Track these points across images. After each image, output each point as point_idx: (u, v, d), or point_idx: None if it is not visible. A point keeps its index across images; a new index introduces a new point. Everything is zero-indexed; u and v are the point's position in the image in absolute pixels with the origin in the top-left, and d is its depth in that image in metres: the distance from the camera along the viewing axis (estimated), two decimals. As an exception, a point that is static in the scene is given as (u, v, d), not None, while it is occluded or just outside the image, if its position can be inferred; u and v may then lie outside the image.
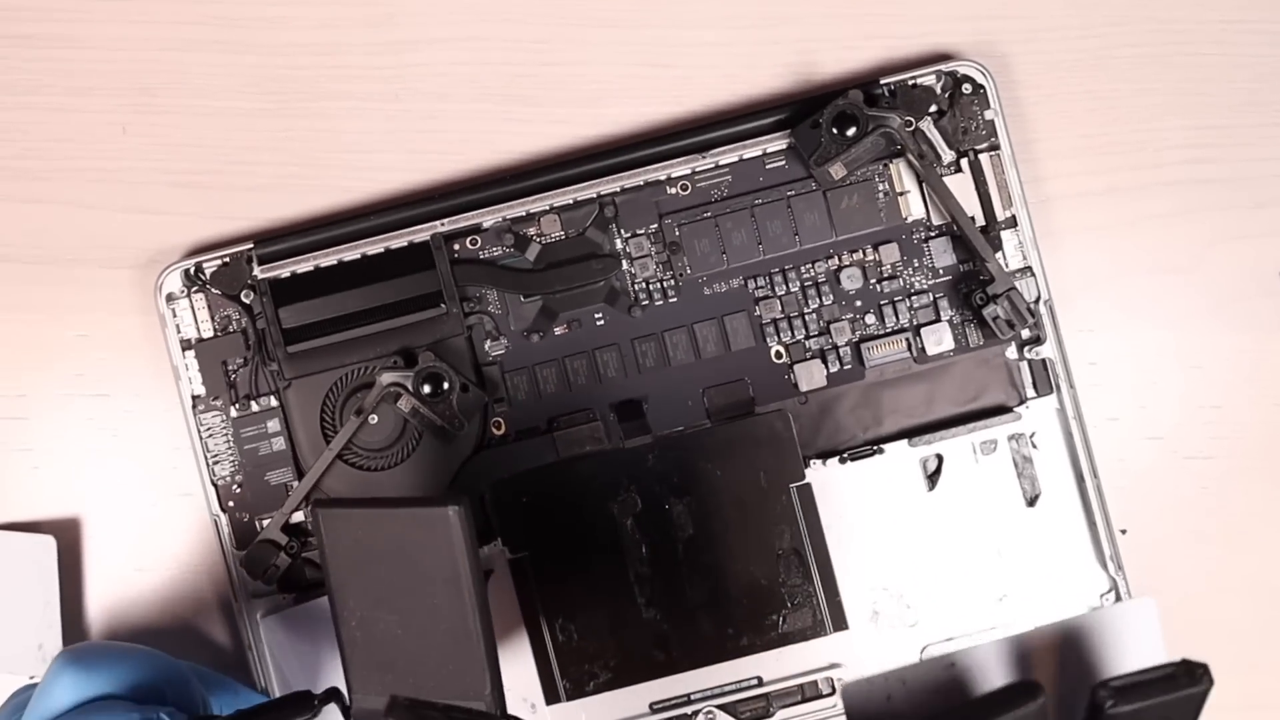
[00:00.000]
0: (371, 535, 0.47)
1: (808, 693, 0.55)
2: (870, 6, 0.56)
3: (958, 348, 0.55)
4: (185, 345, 0.55)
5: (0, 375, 0.56)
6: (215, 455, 0.55)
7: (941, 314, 0.55)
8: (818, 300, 0.55)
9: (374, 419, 0.54)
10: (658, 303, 0.55)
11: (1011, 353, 0.55)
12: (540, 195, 0.54)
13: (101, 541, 0.56)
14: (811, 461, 0.54)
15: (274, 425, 0.55)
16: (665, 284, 0.55)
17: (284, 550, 0.54)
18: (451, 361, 0.54)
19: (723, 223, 0.55)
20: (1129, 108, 0.56)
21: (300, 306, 0.54)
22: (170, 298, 0.54)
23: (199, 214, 0.56)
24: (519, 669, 0.54)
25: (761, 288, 0.55)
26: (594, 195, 0.55)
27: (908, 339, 0.55)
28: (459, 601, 0.46)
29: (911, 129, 0.54)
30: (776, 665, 0.54)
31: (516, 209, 0.54)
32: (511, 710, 0.54)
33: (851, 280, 0.55)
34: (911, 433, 0.55)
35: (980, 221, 0.54)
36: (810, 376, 0.55)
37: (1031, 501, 0.55)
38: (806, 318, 0.55)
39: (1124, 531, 0.55)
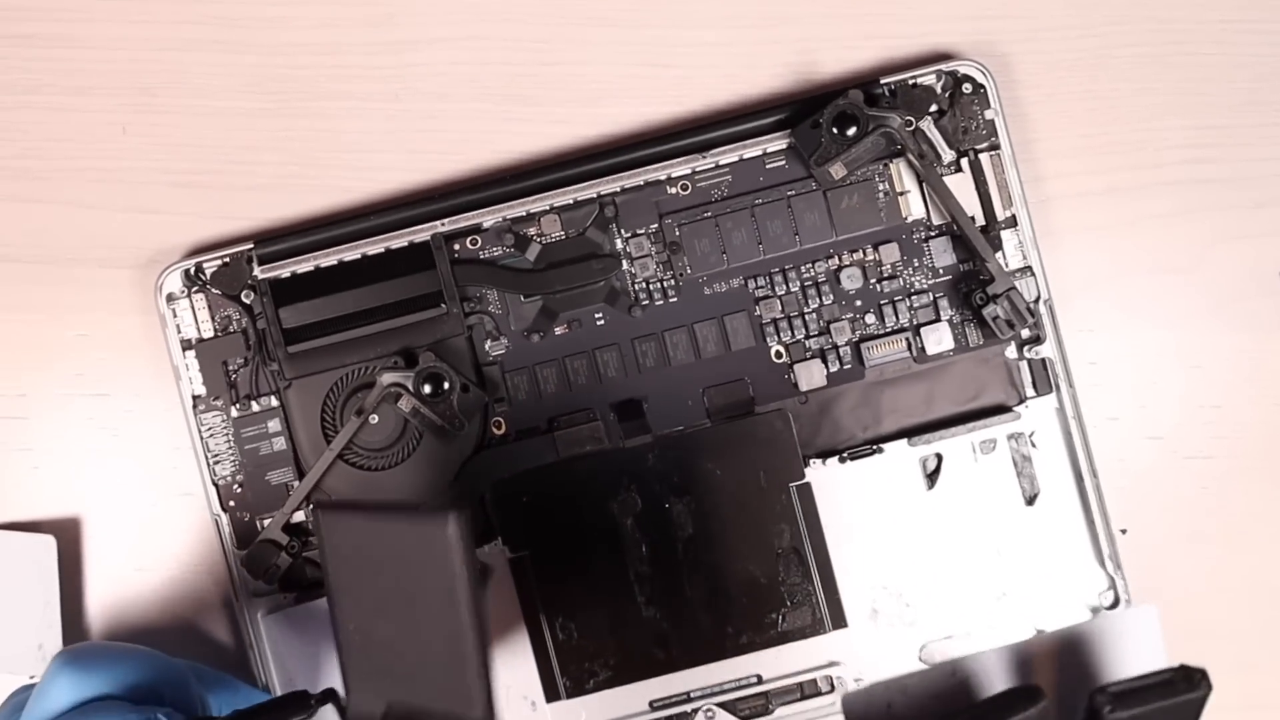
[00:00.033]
0: (371, 542, 0.47)
1: (807, 691, 0.55)
2: (870, 6, 0.56)
3: (957, 347, 0.55)
4: (185, 345, 0.55)
5: (0, 375, 0.56)
6: (216, 455, 0.55)
7: (941, 314, 0.55)
8: (818, 300, 0.55)
9: (374, 419, 0.54)
10: (658, 303, 0.55)
11: (1011, 352, 0.55)
12: (540, 195, 0.54)
13: (101, 541, 0.56)
14: (811, 461, 0.54)
15: (275, 425, 0.55)
16: (665, 284, 0.55)
17: (285, 550, 0.54)
18: (452, 361, 0.54)
19: (723, 223, 0.55)
20: (1129, 108, 0.56)
21: (300, 306, 0.54)
22: (170, 298, 0.54)
23: (199, 214, 0.56)
24: (519, 667, 0.54)
25: (761, 288, 0.55)
26: (594, 195, 0.55)
27: (907, 339, 0.55)
28: (454, 616, 0.46)
29: (911, 129, 0.54)
30: (776, 663, 0.54)
31: (516, 209, 0.54)
32: (512, 708, 0.55)
33: (851, 280, 0.55)
34: (911, 432, 0.55)
35: (980, 221, 0.55)
36: (810, 376, 0.55)
37: (1030, 501, 0.55)
38: (806, 317, 0.55)
39: (1124, 531, 0.55)
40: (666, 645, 0.54)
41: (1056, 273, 0.55)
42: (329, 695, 0.48)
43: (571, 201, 0.55)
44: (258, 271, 0.54)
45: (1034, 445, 0.55)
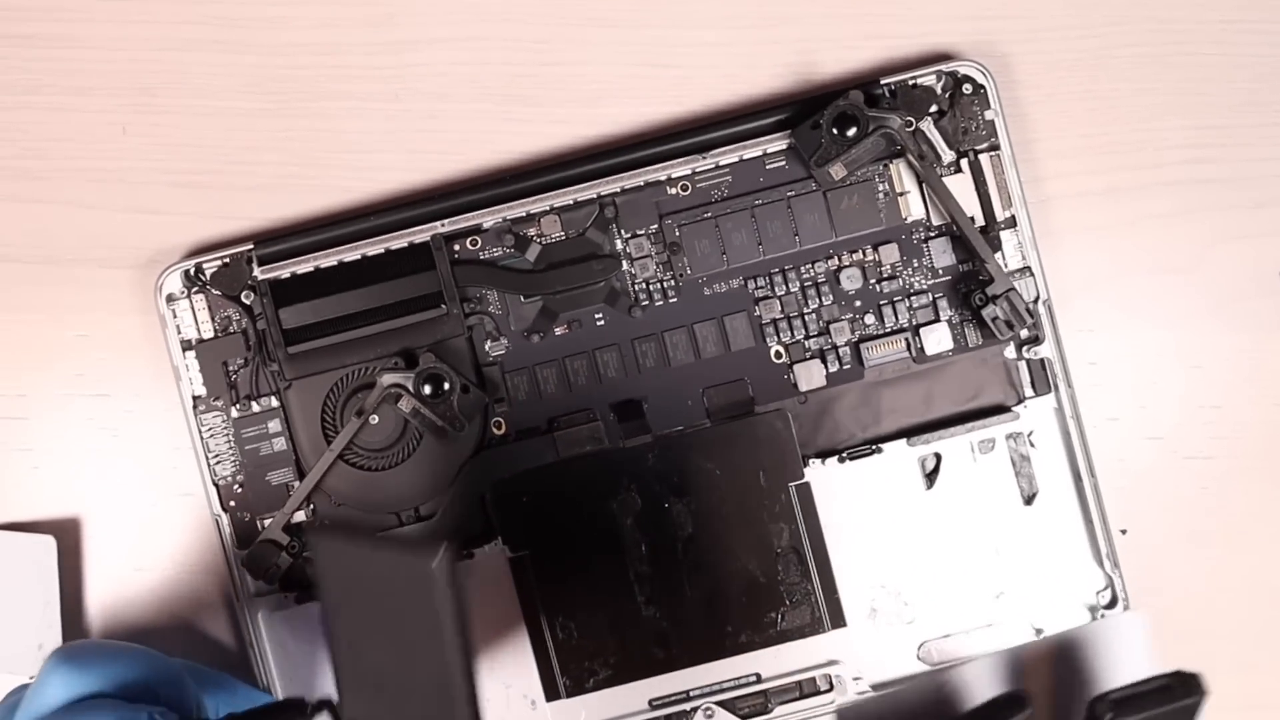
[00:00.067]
0: (361, 570, 0.47)
1: (806, 689, 0.55)
2: (870, 6, 0.56)
3: (956, 348, 0.55)
4: (186, 346, 0.55)
5: (0, 375, 0.56)
6: (216, 455, 0.55)
7: (940, 314, 0.55)
8: (817, 300, 0.55)
9: (375, 419, 0.54)
10: (658, 303, 0.55)
11: (1010, 352, 0.55)
12: (540, 195, 0.54)
13: (101, 541, 0.56)
14: (810, 461, 0.54)
15: (275, 425, 0.55)
16: (665, 284, 0.55)
17: (285, 550, 0.54)
18: (452, 362, 0.54)
19: (723, 223, 0.55)
20: (1129, 108, 0.56)
21: (300, 307, 0.54)
22: (170, 298, 0.55)
23: (199, 214, 0.56)
24: (519, 666, 0.54)
25: (761, 288, 0.55)
26: (594, 195, 0.55)
27: (907, 339, 0.55)
28: (440, 653, 0.46)
29: (912, 129, 0.54)
30: (775, 662, 0.54)
31: (516, 209, 0.54)
32: (512, 708, 0.55)
33: (851, 280, 0.55)
34: (910, 432, 0.55)
35: (980, 222, 0.54)
36: (810, 376, 0.55)
37: (1029, 500, 0.55)
38: (806, 318, 0.55)
39: (1124, 531, 0.55)
40: (666, 644, 0.54)
41: (1056, 273, 0.55)
42: (325, 705, 0.48)
43: (571, 202, 0.55)
44: (258, 272, 0.54)
45: (1033, 445, 0.55)
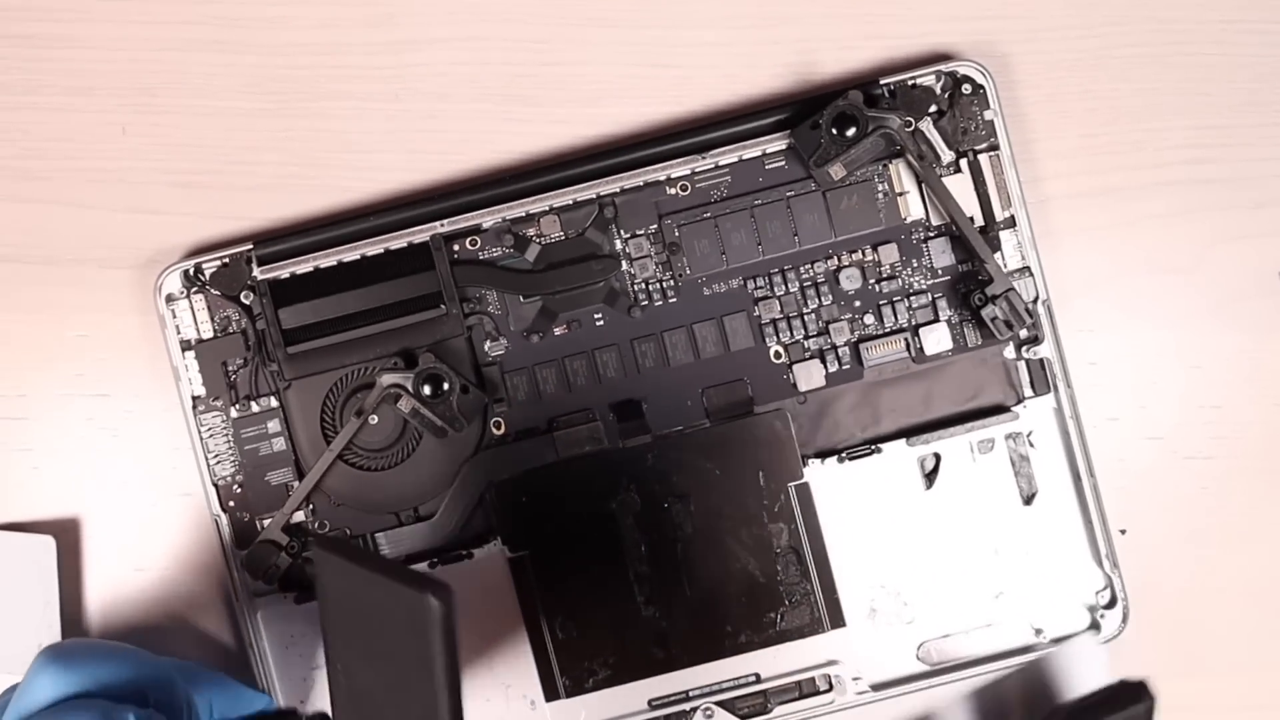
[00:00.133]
0: (361, 593, 0.47)
1: (805, 689, 0.55)
2: (870, 6, 0.56)
3: (956, 348, 0.55)
4: (185, 346, 0.55)
5: (0, 375, 0.56)
6: (216, 455, 0.55)
7: (940, 314, 0.55)
8: (817, 300, 0.55)
9: (374, 419, 0.54)
10: (657, 303, 0.55)
11: (1009, 352, 0.55)
12: (540, 196, 0.54)
13: (101, 541, 0.56)
14: (810, 461, 0.55)
15: (274, 426, 0.55)
16: (665, 284, 0.55)
17: (285, 550, 0.54)
18: (451, 362, 0.54)
19: (722, 223, 0.55)
20: (1129, 108, 0.56)
21: (300, 307, 0.54)
22: (170, 298, 0.55)
23: (199, 214, 0.56)
24: (519, 666, 0.55)
25: (761, 288, 0.55)
26: (594, 196, 0.55)
27: (906, 339, 0.55)
28: (430, 690, 0.46)
29: (911, 129, 0.54)
30: (774, 662, 0.55)
31: (516, 209, 0.54)
32: (512, 708, 0.55)
33: (850, 280, 0.55)
34: (909, 432, 0.55)
35: (979, 222, 0.54)
36: (809, 376, 0.55)
37: (1028, 500, 0.55)
38: (805, 318, 0.55)
39: (1124, 531, 0.55)
40: (666, 644, 0.54)
41: (1056, 273, 0.55)
42: (320, 718, 0.48)
43: (571, 202, 0.55)
44: (257, 272, 0.54)
45: (1032, 445, 0.55)
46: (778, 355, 0.55)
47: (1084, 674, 0.52)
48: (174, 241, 0.56)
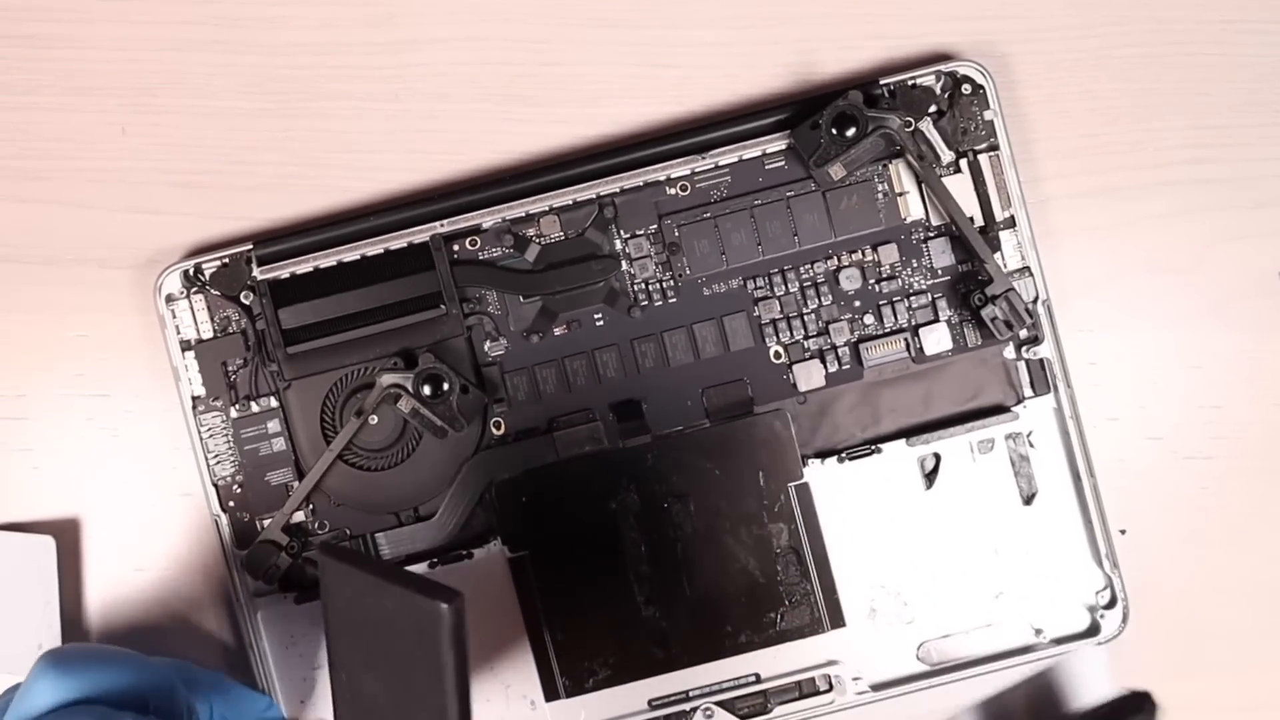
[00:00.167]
0: (369, 601, 0.47)
1: (805, 689, 0.55)
2: (870, 6, 0.56)
3: (956, 348, 0.55)
4: (185, 346, 0.55)
5: (0, 375, 0.56)
6: (216, 455, 0.55)
7: (940, 314, 0.55)
8: (816, 300, 0.55)
9: (374, 420, 0.54)
10: (657, 303, 0.55)
11: (1009, 353, 0.55)
12: (540, 196, 0.54)
13: (101, 541, 0.56)
14: (810, 461, 0.55)
15: (274, 426, 0.55)
16: (665, 284, 0.55)
17: (285, 550, 0.54)
18: (451, 362, 0.54)
19: (722, 223, 0.55)
20: (1129, 108, 0.56)
21: (300, 307, 0.54)
22: (170, 299, 0.55)
23: (199, 214, 0.56)
24: (519, 666, 0.55)
25: (761, 288, 0.55)
26: (593, 196, 0.55)
27: (906, 339, 0.55)
28: (440, 698, 0.46)
29: (911, 129, 0.54)
30: (774, 662, 0.55)
31: (516, 209, 0.54)
32: (512, 708, 0.55)
33: (850, 281, 0.55)
34: (909, 432, 0.55)
35: (979, 222, 0.54)
36: (809, 376, 0.55)
37: (1028, 500, 0.55)
38: (805, 318, 0.55)
39: (1123, 531, 0.55)
40: (665, 644, 0.54)
41: (1056, 273, 0.55)
42: None
43: (571, 202, 0.55)
44: (257, 272, 0.54)
45: (1032, 445, 0.55)
46: (778, 355, 0.55)
47: (1088, 683, 0.52)
48: (174, 241, 0.56)
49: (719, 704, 0.54)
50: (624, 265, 0.55)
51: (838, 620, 0.54)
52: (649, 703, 0.54)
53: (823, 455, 0.55)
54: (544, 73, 0.56)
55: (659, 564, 0.54)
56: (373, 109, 0.56)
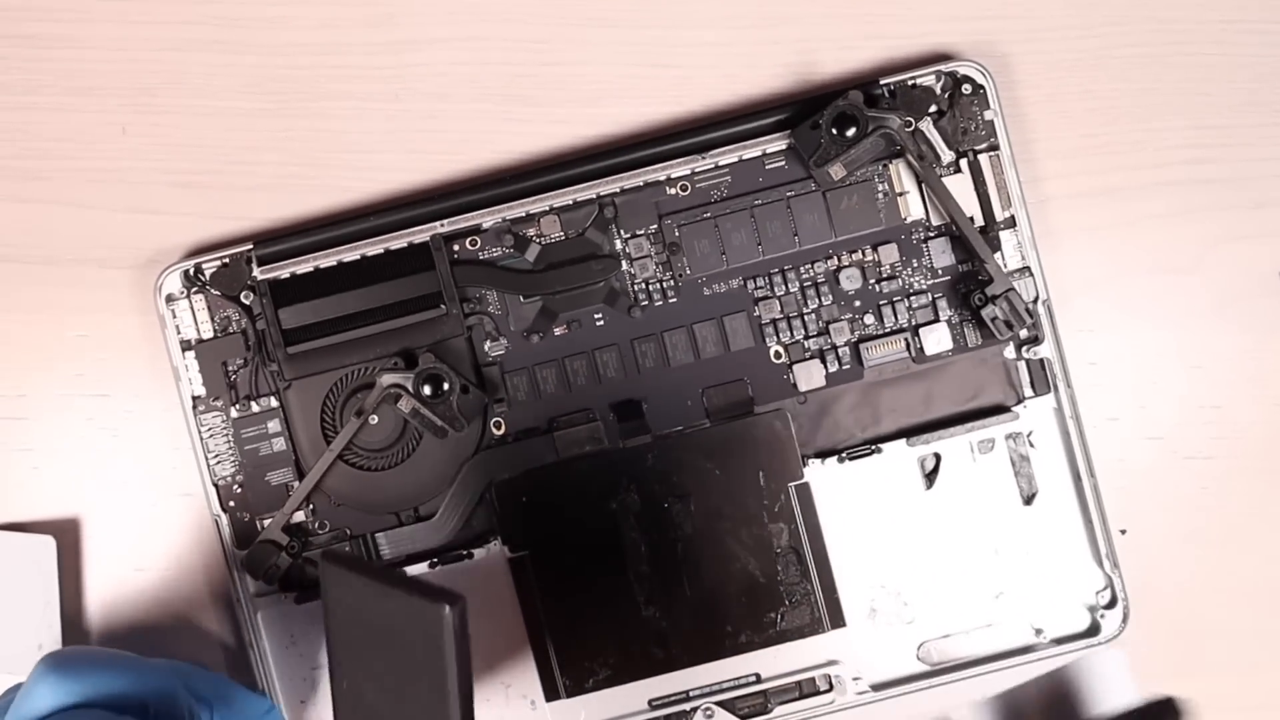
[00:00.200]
0: (370, 607, 0.47)
1: (805, 689, 0.55)
2: (870, 6, 0.56)
3: (956, 348, 0.55)
4: (185, 346, 0.55)
5: (0, 375, 0.56)
6: (216, 455, 0.55)
7: (940, 314, 0.55)
8: (817, 300, 0.55)
9: (374, 420, 0.54)
10: (657, 303, 0.55)
11: (1009, 352, 0.55)
12: (540, 196, 0.54)
13: (101, 541, 0.56)
14: (810, 461, 0.55)
15: (274, 426, 0.55)
16: (665, 284, 0.55)
17: (285, 550, 0.54)
18: (451, 362, 0.54)
19: (722, 223, 0.55)
20: (1129, 108, 0.56)
21: (300, 307, 0.54)
22: (170, 299, 0.55)
23: (199, 214, 0.56)
24: (519, 666, 0.55)
25: (761, 288, 0.55)
26: (594, 196, 0.55)
27: (906, 339, 0.55)
28: (443, 701, 0.46)
29: (911, 129, 0.54)
30: (774, 662, 0.54)
31: (516, 209, 0.54)
32: (512, 708, 0.55)
33: (850, 280, 0.55)
34: (910, 432, 0.55)
35: (979, 222, 0.54)
36: (809, 376, 0.55)
37: (1028, 500, 0.55)
38: (805, 318, 0.55)
39: (1124, 531, 0.55)
40: (666, 644, 0.54)
41: (1056, 273, 0.55)
42: None
43: (571, 202, 0.55)
44: (257, 272, 0.54)
45: (1032, 445, 0.55)
46: (778, 355, 0.55)
47: (1108, 685, 0.52)
48: (174, 241, 0.56)
49: (719, 704, 0.54)
50: (624, 265, 0.55)
51: (838, 620, 0.54)
52: (649, 703, 0.54)
53: (823, 455, 0.55)
54: (544, 73, 0.56)
55: (659, 564, 0.54)
56: (373, 109, 0.56)
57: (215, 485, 0.55)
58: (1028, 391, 0.55)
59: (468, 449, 0.55)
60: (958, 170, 0.55)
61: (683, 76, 0.56)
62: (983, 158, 0.55)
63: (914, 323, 0.55)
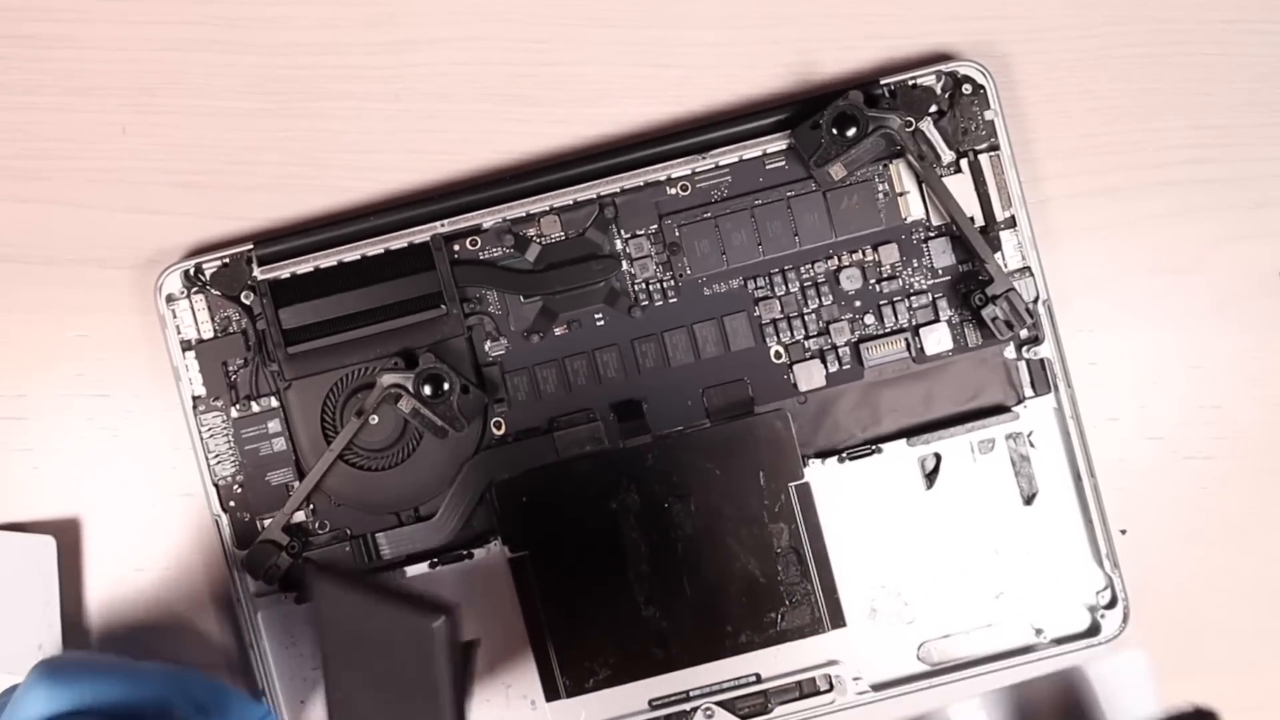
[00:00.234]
0: (363, 620, 0.47)
1: (805, 689, 0.55)
2: (870, 6, 0.56)
3: (956, 348, 0.55)
4: (185, 346, 0.55)
5: (0, 375, 0.56)
6: (216, 455, 0.55)
7: (940, 314, 0.55)
8: (817, 300, 0.55)
9: (375, 420, 0.54)
10: (657, 303, 0.55)
11: (1010, 353, 0.55)
12: (540, 196, 0.54)
13: (101, 541, 0.56)
14: (810, 461, 0.55)
15: (275, 426, 0.55)
16: (665, 284, 0.55)
17: (285, 550, 0.54)
18: (452, 362, 0.54)
19: (722, 223, 0.55)
20: (1129, 108, 0.56)
21: (300, 307, 0.54)
22: (170, 299, 0.55)
23: (199, 214, 0.56)
24: (519, 666, 0.55)
25: (761, 288, 0.55)
26: (594, 196, 0.55)
27: (906, 339, 0.55)
28: (436, 715, 0.46)
29: (911, 129, 0.54)
30: (775, 662, 0.54)
31: (516, 209, 0.54)
32: (512, 708, 0.55)
33: (851, 280, 0.55)
34: (910, 432, 0.55)
35: (979, 222, 0.54)
36: (809, 376, 0.55)
37: (1029, 500, 0.55)
38: (806, 318, 0.55)
39: (1124, 531, 0.55)
40: (666, 644, 0.54)
41: (1056, 273, 0.55)
42: None
43: (571, 202, 0.55)
44: (257, 272, 0.54)
45: (1032, 445, 0.55)
46: (778, 355, 0.55)
47: (1125, 691, 0.52)
48: (174, 241, 0.56)
49: (719, 704, 0.54)
50: (624, 265, 0.55)
51: (838, 620, 0.54)
52: (649, 703, 0.54)
53: (823, 455, 0.55)
54: (544, 73, 0.56)
55: (659, 564, 0.54)
56: (373, 109, 0.56)
57: (215, 485, 0.55)
58: (1028, 391, 0.55)
59: (468, 449, 0.55)
60: (958, 170, 0.55)
61: (683, 76, 0.56)
62: (983, 158, 0.55)
63: (914, 323, 0.55)
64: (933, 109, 0.54)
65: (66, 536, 0.56)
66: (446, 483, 0.55)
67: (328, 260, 0.54)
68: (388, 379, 0.53)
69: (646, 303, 0.55)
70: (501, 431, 0.55)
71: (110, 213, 0.56)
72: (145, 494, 0.56)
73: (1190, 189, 0.56)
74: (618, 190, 0.55)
